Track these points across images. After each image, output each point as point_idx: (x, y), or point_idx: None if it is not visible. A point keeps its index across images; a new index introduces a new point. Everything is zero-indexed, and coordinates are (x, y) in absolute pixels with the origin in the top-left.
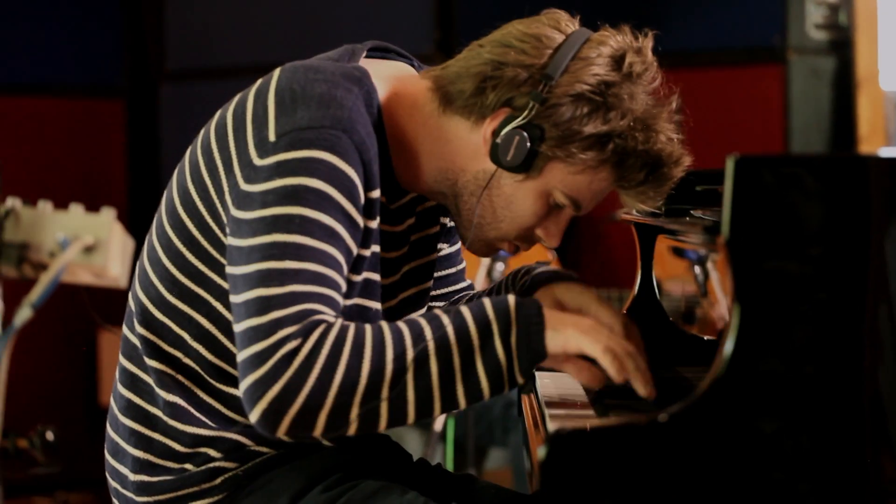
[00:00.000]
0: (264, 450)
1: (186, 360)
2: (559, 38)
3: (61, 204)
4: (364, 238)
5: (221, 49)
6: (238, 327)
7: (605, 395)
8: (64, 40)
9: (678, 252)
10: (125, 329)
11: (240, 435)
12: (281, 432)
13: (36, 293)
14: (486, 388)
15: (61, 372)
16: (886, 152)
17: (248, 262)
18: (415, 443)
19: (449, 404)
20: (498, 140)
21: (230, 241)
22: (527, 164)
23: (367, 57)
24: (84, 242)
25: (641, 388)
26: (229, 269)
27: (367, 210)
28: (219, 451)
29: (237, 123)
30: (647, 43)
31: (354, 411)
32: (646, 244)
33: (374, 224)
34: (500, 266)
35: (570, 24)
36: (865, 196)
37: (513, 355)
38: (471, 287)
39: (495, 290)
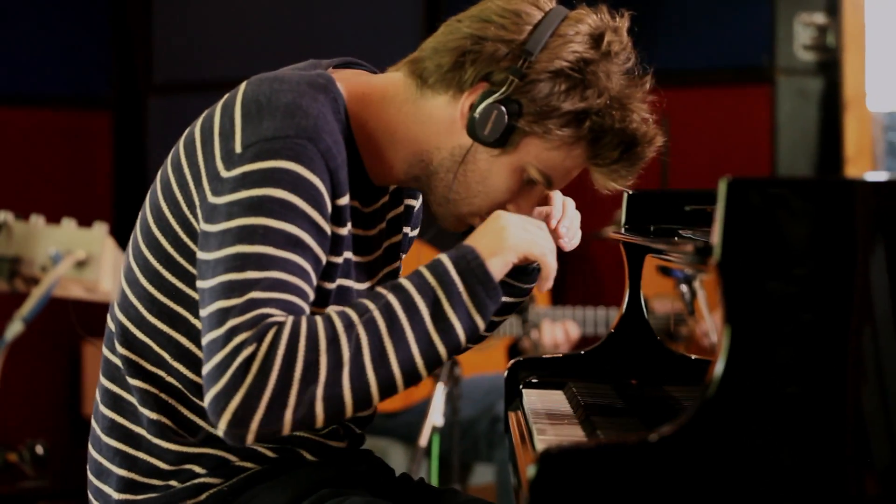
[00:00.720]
0: (249, 465)
1: (169, 379)
2: (538, 14)
3: (47, 214)
4: (335, 245)
5: (209, 62)
6: (203, 341)
7: (592, 412)
8: (52, 52)
9: (665, 271)
10: (105, 350)
11: (224, 451)
12: (250, 439)
13: (28, 307)
14: (444, 351)
15: (45, 385)
16: (872, 176)
17: (213, 275)
18: (400, 458)
19: (410, 375)
20: (475, 114)
21: (199, 254)
22: (503, 139)
23: (333, 68)
24: (76, 257)
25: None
26: (198, 283)
27: (336, 217)
28: (203, 468)
29: (205, 137)
30: (624, 23)
31: (319, 404)
32: (634, 263)
33: (345, 231)
34: None
35: (548, 1)
36: (851, 219)
37: (467, 308)
38: None
39: None
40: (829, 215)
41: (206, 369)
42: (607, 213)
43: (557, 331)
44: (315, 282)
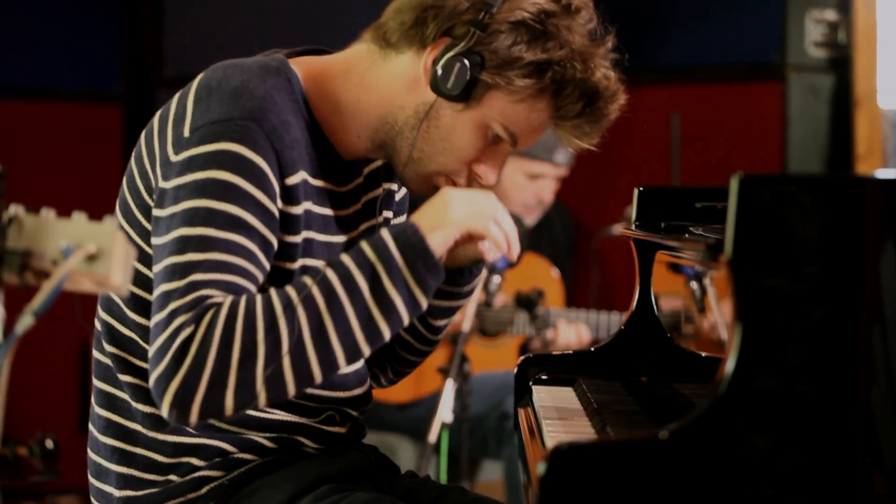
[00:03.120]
0: (248, 457)
1: None
2: None
3: (56, 207)
4: (289, 224)
5: (219, 57)
6: (150, 325)
7: (602, 409)
8: (63, 45)
9: (675, 268)
10: (95, 352)
11: (221, 441)
12: (192, 420)
13: (38, 301)
14: (385, 327)
15: (54, 379)
16: (883, 174)
17: (160, 259)
18: (408, 454)
19: (352, 352)
20: (438, 68)
21: (152, 239)
22: (466, 93)
23: (296, 55)
24: (87, 251)
25: (514, 252)
26: (153, 267)
27: (287, 196)
28: (202, 460)
29: (161, 125)
30: None
31: (259, 381)
32: (644, 260)
33: (299, 210)
34: (496, 278)
35: None
36: (862, 216)
37: (407, 283)
38: None
39: None
40: (841, 213)
41: (150, 353)
42: (618, 210)
43: (571, 332)
44: (265, 263)
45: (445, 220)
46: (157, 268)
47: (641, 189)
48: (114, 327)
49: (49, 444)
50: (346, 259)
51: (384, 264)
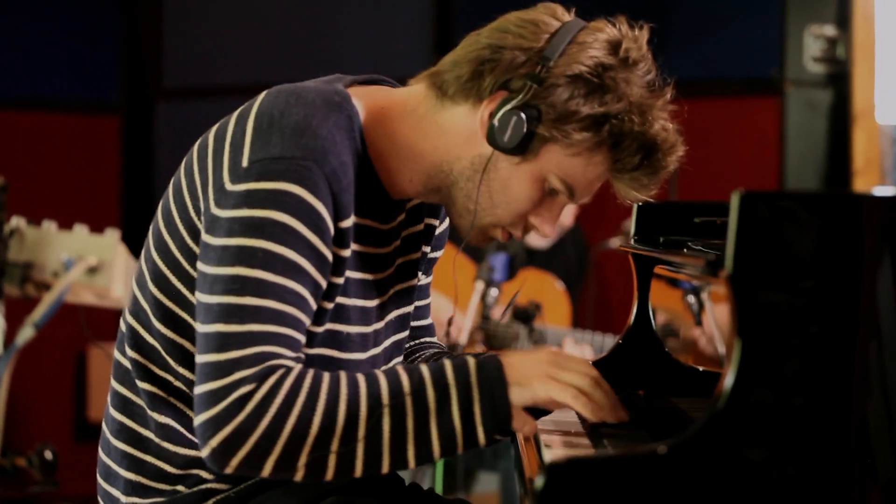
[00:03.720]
0: None
1: (177, 384)
2: (556, 24)
3: (53, 217)
4: (336, 267)
5: (218, 68)
6: (198, 359)
7: (599, 423)
8: (62, 56)
9: (672, 282)
10: (116, 353)
11: None
12: (229, 471)
13: (39, 313)
14: (438, 452)
15: (52, 390)
16: (880, 191)
17: (212, 292)
18: None
19: (398, 464)
20: (495, 121)
21: (199, 265)
22: (523, 146)
23: (357, 84)
24: (88, 263)
25: (614, 419)
26: (196, 295)
27: (339, 240)
28: (210, 473)
29: (217, 146)
30: (643, 35)
31: (302, 460)
32: (643, 275)
33: (348, 252)
34: (493, 291)
35: (567, 14)
36: (860, 233)
37: (475, 420)
38: (431, 329)
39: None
40: (838, 229)
41: (200, 389)
42: (615, 223)
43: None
44: (314, 308)
45: (531, 382)
46: (206, 298)
47: (640, 204)
48: (138, 333)
49: (48, 454)
50: (425, 371)
51: (460, 395)
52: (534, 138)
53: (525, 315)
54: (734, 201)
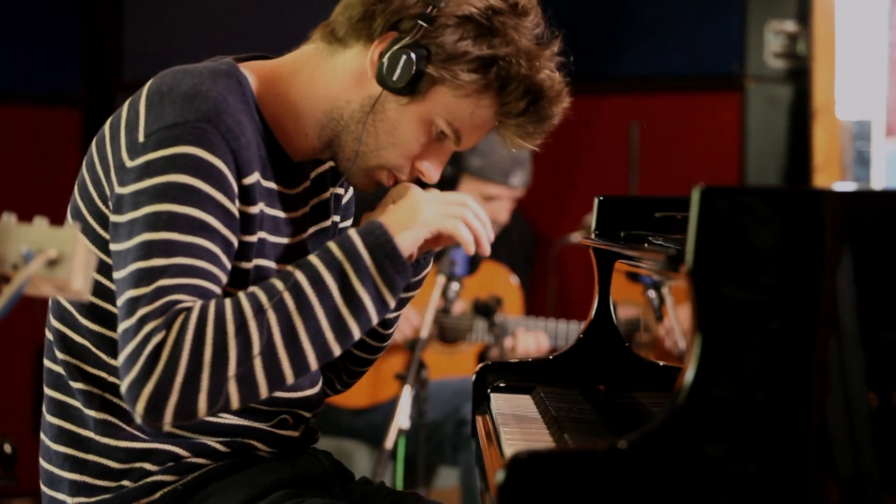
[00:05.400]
0: (202, 461)
1: (111, 379)
2: None
3: (13, 210)
4: (246, 224)
5: (179, 61)
6: (118, 331)
7: (560, 417)
8: (21, 48)
9: (633, 277)
10: (46, 361)
11: (173, 445)
12: (166, 424)
13: None
14: (355, 327)
15: (10, 383)
16: (840, 187)
17: (124, 265)
18: (364, 461)
19: (322, 352)
20: (384, 60)
21: (111, 246)
22: (412, 86)
23: (243, 61)
24: (48, 256)
25: (484, 247)
26: (114, 275)
27: (244, 196)
28: (155, 465)
29: (113, 132)
30: None
31: (232, 385)
32: (604, 269)
33: (256, 209)
34: (455, 286)
35: None
36: (820, 229)
37: (375, 283)
38: None
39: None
40: (798, 225)
41: (120, 359)
42: (576, 218)
43: (530, 341)
44: (227, 264)
45: (415, 220)
46: (121, 273)
47: (602, 198)
48: (66, 335)
49: (7, 448)
50: (314, 260)
51: (352, 263)
52: (422, 78)
53: (486, 309)
54: (695, 196)
